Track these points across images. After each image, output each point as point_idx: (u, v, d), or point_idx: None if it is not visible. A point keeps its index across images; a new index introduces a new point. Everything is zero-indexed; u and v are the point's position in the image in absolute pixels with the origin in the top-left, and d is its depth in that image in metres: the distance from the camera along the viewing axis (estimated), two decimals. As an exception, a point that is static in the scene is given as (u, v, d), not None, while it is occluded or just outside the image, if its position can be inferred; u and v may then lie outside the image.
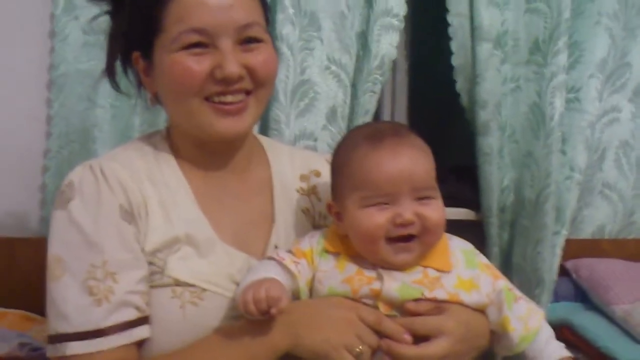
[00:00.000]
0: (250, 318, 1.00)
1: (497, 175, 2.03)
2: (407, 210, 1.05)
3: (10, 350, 1.40)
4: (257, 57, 1.10)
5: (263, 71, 1.10)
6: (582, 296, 2.05)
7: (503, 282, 1.11)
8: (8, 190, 1.87)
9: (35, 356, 1.41)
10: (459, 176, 2.11)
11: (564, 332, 1.89)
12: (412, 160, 1.06)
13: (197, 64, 1.07)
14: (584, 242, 2.16)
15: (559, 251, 2.05)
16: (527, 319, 1.08)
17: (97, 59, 1.80)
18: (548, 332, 1.10)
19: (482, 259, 1.14)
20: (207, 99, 1.08)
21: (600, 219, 2.19)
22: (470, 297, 1.08)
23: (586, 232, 2.18)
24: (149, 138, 1.20)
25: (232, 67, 1.06)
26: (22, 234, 1.85)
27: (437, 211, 1.07)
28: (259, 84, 1.11)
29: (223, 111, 1.09)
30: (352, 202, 1.08)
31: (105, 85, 1.79)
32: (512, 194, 2.08)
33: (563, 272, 2.09)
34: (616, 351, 1.78)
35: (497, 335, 1.11)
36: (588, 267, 2.04)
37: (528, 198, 2.04)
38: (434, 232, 1.07)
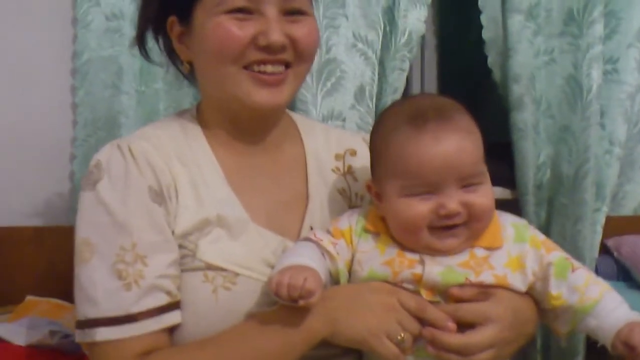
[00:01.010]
0: (277, 300, 0.96)
1: (533, 152, 1.97)
2: (452, 200, 0.98)
3: (41, 338, 1.39)
4: (302, 29, 1.06)
5: (306, 43, 1.07)
6: (625, 274, 1.99)
7: (558, 254, 1.04)
8: (37, 179, 1.87)
9: (65, 343, 1.39)
10: (493, 154, 2.04)
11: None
12: (458, 147, 0.98)
13: (241, 29, 1.03)
14: (625, 219, 2.09)
15: (599, 228, 1.98)
16: (585, 289, 1.01)
17: (120, 45, 1.81)
18: (615, 302, 1.02)
19: (536, 233, 1.06)
20: (246, 67, 1.04)
21: (642, 194, 2.11)
22: (515, 278, 1.01)
23: (628, 208, 2.11)
24: (178, 116, 1.17)
25: (277, 35, 1.03)
26: (51, 223, 1.84)
27: (485, 197, 1.00)
28: (300, 57, 1.07)
29: (262, 81, 1.05)
30: (392, 189, 1.01)
31: (129, 71, 1.82)
32: (549, 170, 2.01)
33: (604, 250, 2.03)
34: (662, 330, 1.72)
35: (551, 312, 1.05)
36: (630, 244, 1.98)
37: (566, 174, 1.97)
38: (481, 218, 1.00)
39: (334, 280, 1.05)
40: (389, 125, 1.04)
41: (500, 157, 2.04)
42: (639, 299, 1.84)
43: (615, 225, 2.04)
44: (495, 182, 2.02)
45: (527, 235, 1.04)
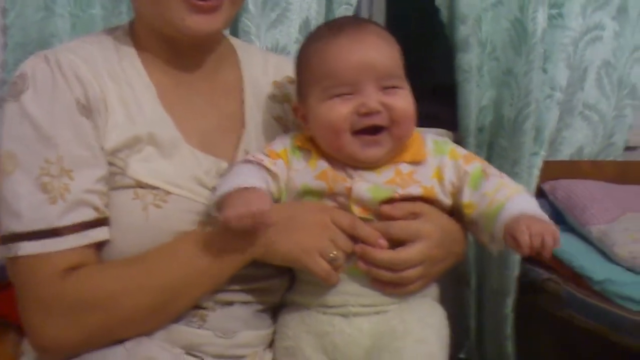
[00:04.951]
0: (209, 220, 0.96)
1: (476, 94, 1.97)
2: (372, 98, 1.00)
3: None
4: None
5: None
6: (559, 218, 2.03)
7: (476, 164, 1.04)
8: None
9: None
10: (438, 96, 2.05)
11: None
12: (373, 47, 1.02)
13: None
14: (562, 164, 2.12)
15: (536, 172, 2.01)
16: (495, 194, 0.99)
17: (54, -37, 1.71)
18: (523, 203, 0.97)
19: (457, 147, 1.07)
20: None
21: (579, 140, 2.14)
22: (440, 190, 1.04)
23: (564, 153, 2.14)
24: (110, 32, 1.12)
25: None
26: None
27: (404, 100, 1.02)
28: None
29: (196, 7, 1.00)
30: (314, 96, 1.03)
31: (64, -7, 1.73)
32: (491, 113, 2.03)
33: (540, 193, 2.06)
34: (591, 270, 1.77)
35: (470, 224, 1.05)
36: (565, 188, 2.02)
37: (507, 117, 1.98)
38: (402, 122, 1.01)
39: (276, 200, 1.04)
40: (309, 41, 1.08)
41: (446, 100, 2.05)
42: (571, 240, 1.91)
43: (552, 170, 2.06)
44: (437, 124, 2.06)
45: (446, 148, 1.06)
